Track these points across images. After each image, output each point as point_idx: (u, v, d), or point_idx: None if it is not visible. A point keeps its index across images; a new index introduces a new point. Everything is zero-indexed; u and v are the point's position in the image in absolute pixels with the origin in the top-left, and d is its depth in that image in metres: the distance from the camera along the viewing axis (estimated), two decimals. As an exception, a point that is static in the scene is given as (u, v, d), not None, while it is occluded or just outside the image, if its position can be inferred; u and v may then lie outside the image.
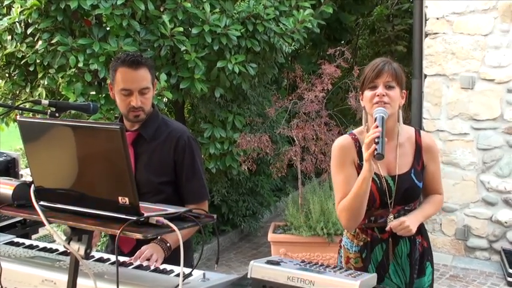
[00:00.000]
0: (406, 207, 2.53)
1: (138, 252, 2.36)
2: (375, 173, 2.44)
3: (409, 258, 2.55)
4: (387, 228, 2.48)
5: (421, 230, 2.60)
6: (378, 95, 2.39)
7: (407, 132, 2.58)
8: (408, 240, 2.54)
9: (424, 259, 2.62)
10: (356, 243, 2.58)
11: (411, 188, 2.50)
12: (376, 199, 2.47)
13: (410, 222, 2.44)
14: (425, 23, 6.05)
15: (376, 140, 2.21)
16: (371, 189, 2.42)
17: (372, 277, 1.75)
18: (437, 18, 5.94)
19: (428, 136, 2.64)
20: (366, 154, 2.25)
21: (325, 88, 5.38)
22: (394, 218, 2.49)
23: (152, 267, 2.14)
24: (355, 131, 2.60)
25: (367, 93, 2.44)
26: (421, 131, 2.63)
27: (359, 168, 2.44)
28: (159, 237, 2.48)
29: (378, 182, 2.48)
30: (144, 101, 2.59)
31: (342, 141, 2.56)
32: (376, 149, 2.20)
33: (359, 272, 1.77)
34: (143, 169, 2.64)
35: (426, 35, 6.05)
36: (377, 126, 2.27)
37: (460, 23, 5.83)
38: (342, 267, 2.01)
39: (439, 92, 5.98)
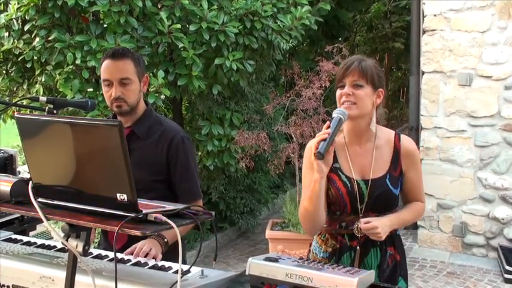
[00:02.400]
0: (381, 216, 2.37)
1: (137, 248, 2.35)
2: (346, 176, 2.37)
3: (378, 270, 2.40)
4: (357, 227, 2.34)
5: (395, 241, 2.46)
6: (344, 95, 2.30)
7: (386, 134, 2.45)
8: (379, 250, 2.41)
9: (396, 273, 2.45)
10: (325, 248, 2.47)
11: (384, 193, 2.36)
12: (346, 203, 2.35)
13: (382, 227, 2.27)
14: (423, 20, 6.05)
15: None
16: (341, 193, 2.34)
17: (369, 274, 1.75)
18: (435, 15, 5.94)
19: (408, 140, 2.47)
20: (312, 156, 2.18)
21: (323, 85, 5.38)
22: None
23: (150, 264, 2.14)
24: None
25: (337, 92, 2.35)
26: (402, 135, 2.47)
27: (329, 171, 2.31)
28: (156, 233, 2.47)
29: (349, 185, 2.36)
30: (125, 92, 2.57)
31: (314, 142, 2.37)
32: (317, 148, 2.13)
33: (357, 269, 1.77)
34: (135, 166, 2.61)
35: (424, 32, 6.05)
36: (328, 127, 2.18)
37: (457, 20, 5.84)
38: (340, 265, 2.00)
39: (437, 89, 5.98)
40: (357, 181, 2.36)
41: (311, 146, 2.41)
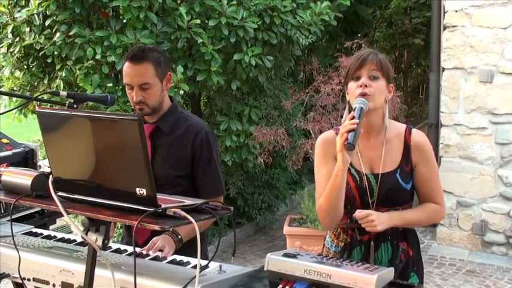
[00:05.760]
0: (392, 210, 2.36)
1: (150, 243, 2.37)
2: (355, 170, 2.35)
3: (389, 265, 2.34)
4: (354, 215, 2.30)
5: (407, 236, 2.42)
6: (360, 86, 2.26)
7: (396, 129, 2.41)
8: (390, 245, 2.38)
9: (408, 269, 2.41)
10: (337, 243, 2.46)
11: (395, 188, 2.33)
12: (355, 197, 2.33)
13: (378, 218, 2.25)
14: (444, 15, 5.99)
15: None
16: (350, 187, 2.32)
17: (389, 271, 1.74)
18: (456, 11, 5.88)
19: (419, 134, 2.42)
20: (338, 144, 2.15)
21: (342, 81, 5.35)
22: None
23: (169, 259, 2.15)
24: (341, 126, 2.47)
25: (351, 85, 2.31)
26: (413, 129, 2.43)
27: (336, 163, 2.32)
28: (171, 229, 2.49)
29: (358, 179, 2.34)
30: (146, 96, 2.58)
31: (324, 136, 2.46)
32: (347, 139, 2.10)
33: (376, 266, 1.76)
34: (160, 162, 2.65)
35: (444, 28, 5.99)
36: (353, 117, 2.15)
37: (479, 16, 5.77)
38: (359, 261, 1.99)
39: (457, 85, 5.92)
40: (366, 175, 2.34)
41: (321, 139, 2.45)
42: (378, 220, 2.25)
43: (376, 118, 2.34)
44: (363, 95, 2.24)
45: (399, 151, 2.37)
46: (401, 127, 2.43)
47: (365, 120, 2.27)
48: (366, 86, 2.26)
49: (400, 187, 2.34)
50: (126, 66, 2.59)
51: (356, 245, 2.40)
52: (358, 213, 2.28)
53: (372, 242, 2.37)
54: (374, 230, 2.28)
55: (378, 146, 2.36)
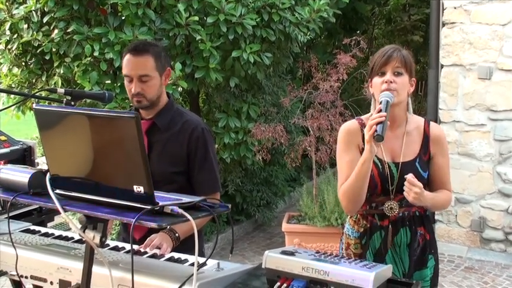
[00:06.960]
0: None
1: (147, 240, 2.38)
2: (378, 158, 2.48)
3: (408, 249, 2.54)
4: (406, 177, 2.38)
5: (424, 221, 2.58)
6: (386, 82, 2.41)
7: (416, 121, 2.58)
8: (409, 230, 2.53)
9: (426, 251, 2.60)
10: (357, 229, 2.59)
11: (414, 176, 2.43)
12: (377, 184, 2.47)
13: (421, 194, 2.34)
14: (443, 12, 5.98)
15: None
16: (373, 174, 2.44)
17: (387, 268, 1.74)
18: (455, 8, 5.87)
19: (437, 127, 2.63)
20: (367, 135, 2.29)
21: (341, 78, 5.35)
22: (399, 206, 2.49)
23: (167, 256, 2.15)
24: (363, 116, 2.62)
25: (376, 80, 2.46)
26: (431, 122, 2.61)
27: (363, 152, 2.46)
28: (168, 227, 2.50)
29: (380, 167, 2.48)
30: (145, 88, 2.59)
31: (348, 125, 2.60)
32: (376, 130, 2.24)
33: (374, 263, 1.76)
34: (156, 158, 2.65)
35: (443, 25, 5.98)
36: (380, 110, 2.30)
37: (477, 13, 5.76)
38: (356, 259, 2.00)
39: (456, 82, 5.92)
40: (388, 163, 2.49)
41: (346, 128, 2.58)
42: (420, 192, 2.33)
43: (399, 111, 2.49)
44: (388, 90, 2.39)
45: (418, 142, 2.55)
46: (421, 120, 2.61)
47: (390, 113, 2.40)
48: (391, 82, 2.41)
49: (420, 175, 2.47)
50: (127, 58, 2.61)
51: (376, 230, 2.55)
52: (410, 178, 2.35)
53: (391, 226, 2.52)
54: (411, 197, 2.35)
55: (399, 137, 2.53)
